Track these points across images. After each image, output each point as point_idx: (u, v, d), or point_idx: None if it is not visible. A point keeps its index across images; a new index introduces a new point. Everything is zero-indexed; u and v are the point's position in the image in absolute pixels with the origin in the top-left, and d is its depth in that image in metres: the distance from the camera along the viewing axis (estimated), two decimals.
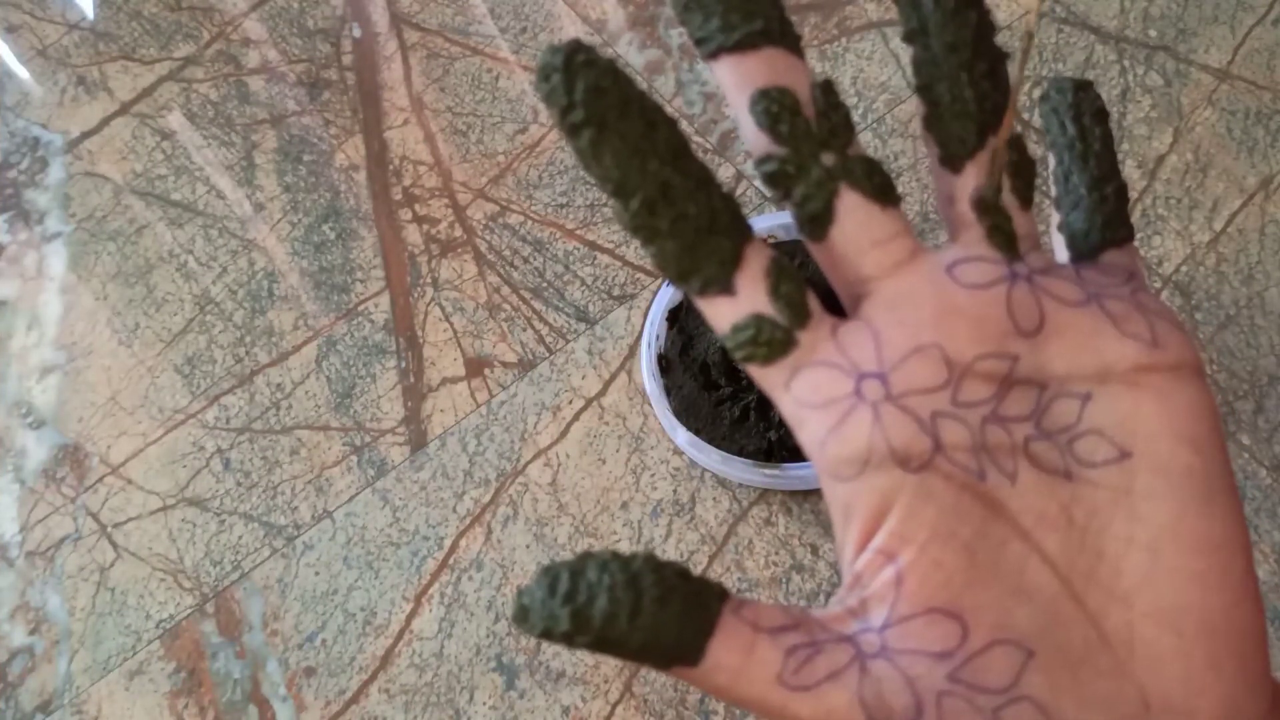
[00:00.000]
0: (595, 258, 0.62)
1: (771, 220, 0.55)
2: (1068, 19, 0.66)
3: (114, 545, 0.57)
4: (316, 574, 0.55)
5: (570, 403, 0.57)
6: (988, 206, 0.16)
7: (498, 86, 0.69)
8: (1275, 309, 0.55)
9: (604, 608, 0.14)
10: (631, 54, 0.69)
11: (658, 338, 0.54)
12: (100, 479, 0.59)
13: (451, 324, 0.61)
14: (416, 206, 0.66)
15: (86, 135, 0.72)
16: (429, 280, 0.63)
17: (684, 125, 0.66)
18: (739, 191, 0.63)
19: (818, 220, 0.16)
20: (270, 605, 0.54)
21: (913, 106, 0.65)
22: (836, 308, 0.17)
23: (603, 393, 0.57)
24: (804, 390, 0.15)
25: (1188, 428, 0.15)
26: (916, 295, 0.15)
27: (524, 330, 0.60)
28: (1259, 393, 0.53)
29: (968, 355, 0.15)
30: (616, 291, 0.61)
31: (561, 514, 0.55)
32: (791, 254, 0.55)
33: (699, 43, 0.16)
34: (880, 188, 0.16)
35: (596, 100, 0.14)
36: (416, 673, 0.52)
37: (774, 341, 0.15)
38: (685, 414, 0.52)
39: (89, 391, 0.62)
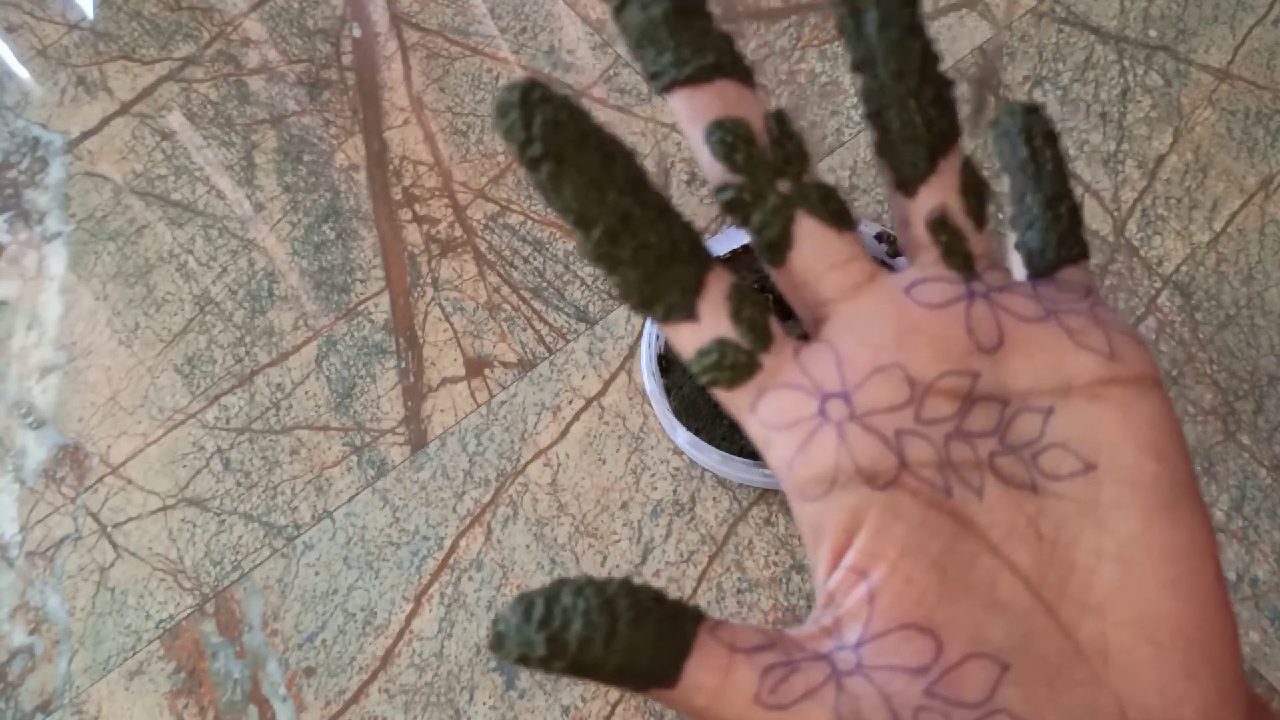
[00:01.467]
0: None
1: None
2: (1068, 19, 0.66)
3: (114, 545, 0.57)
4: (316, 574, 0.55)
5: (570, 403, 0.57)
6: (942, 227, 0.17)
7: (498, 86, 0.69)
8: (1275, 309, 0.55)
9: (579, 632, 0.14)
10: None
11: (657, 338, 0.54)
12: (100, 479, 0.59)
13: (451, 324, 0.61)
14: (416, 206, 0.66)
15: (86, 135, 0.72)
16: (429, 280, 0.63)
17: None
18: None
19: (776, 246, 0.16)
20: (270, 605, 0.54)
21: None
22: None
23: (603, 393, 0.57)
24: (769, 412, 0.16)
25: (1150, 438, 0.15)
26: (876, 316, 0.16)
27: (524, 330, 0.60)
28: (1259, 393, 0.53)
29: (929, 373, 0.15)
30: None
31: (561, 514, 0.55)
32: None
33: (653, 77, 0.16)
34: (836, 213, 0.16)
35: (553, 134, 0.15)
36: (416, 673, 0.52)
37: (738, 365, 0.16)
38: (685, 414, 0.52)
39: (89, 391, 0.62)
